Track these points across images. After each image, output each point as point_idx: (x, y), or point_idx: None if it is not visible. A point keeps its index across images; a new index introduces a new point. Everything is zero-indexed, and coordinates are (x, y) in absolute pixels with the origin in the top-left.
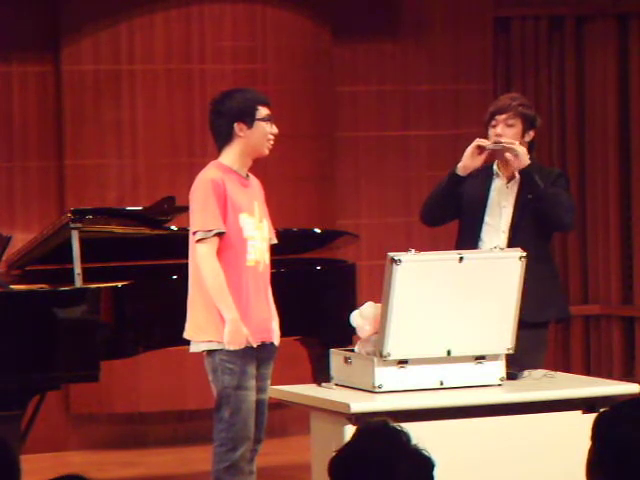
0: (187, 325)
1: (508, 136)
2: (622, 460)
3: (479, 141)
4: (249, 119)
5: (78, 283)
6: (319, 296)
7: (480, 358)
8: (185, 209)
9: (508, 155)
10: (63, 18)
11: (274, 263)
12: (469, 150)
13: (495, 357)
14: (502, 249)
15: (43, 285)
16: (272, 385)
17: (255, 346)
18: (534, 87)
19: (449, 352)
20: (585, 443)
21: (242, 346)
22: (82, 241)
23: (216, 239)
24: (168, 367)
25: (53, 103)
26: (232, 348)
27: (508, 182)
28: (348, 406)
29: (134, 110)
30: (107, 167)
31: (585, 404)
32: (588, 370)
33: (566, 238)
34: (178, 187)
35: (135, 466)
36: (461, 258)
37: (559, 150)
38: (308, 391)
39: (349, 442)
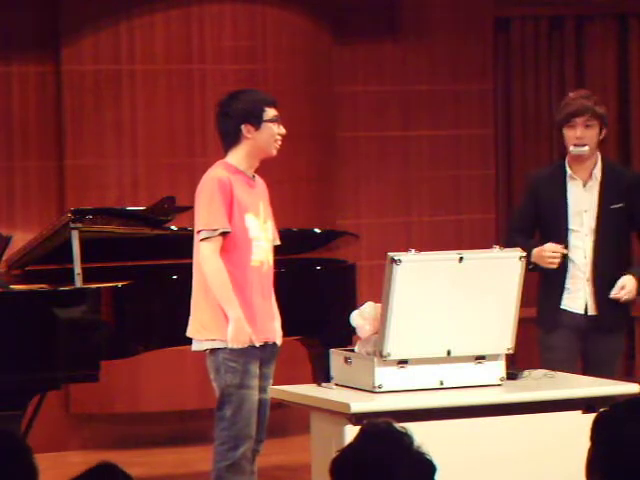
0: (190, 323)
1: (587, 137)
2: (622, 460)
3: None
4: (256, 120)
5: (78, 283)
6: (319, 296)
7: (480, 358)
8: (185, 209)
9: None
10: (63, 18)
11: (274, 263)
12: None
13: (495, 357)
14: (565, 249)
15: (43, 285)
16: (272, 385)
17: (258, 345)
18: (534, 87)
19: (449, 352)
20: (585, 443)
21: (245, 345)
22: (82, 241)
23: (220, 238)
24: (168, 367)
25: (53, 103)
26: (235, 347)
27: (585, 184)
28: (348, 406)
29: (134, 110)
30: (107, 167)
31: (585, 404)
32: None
33: None
34: (178, 187)
35: (135, 466)
36: (461, 258)
37: (559, 150)
38: (308, 391)
39: (351, 443)
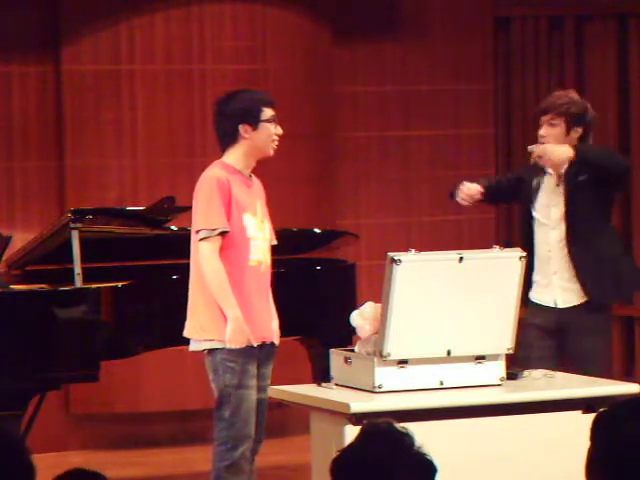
0: (188, 324)
1: (551, 135)
2: (622, 460)
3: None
4: (254, 120)
5: (78, 283)
6: (319, 296)
7: (480, 358)
8: (185, 209)
9: (540, 160)
10: (63, 18)
11: (274, 263)
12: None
13: (495, 357)
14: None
15: (43, 285)
16: (272, 385)
17: (256, 345)
18: (534, 87)
19: (449, 352)
20: (585, 443)
21: (244, 345)
22: (82, 241)
23: (219, 238)
24: (168, 367)
25: (53, 103)
26: (234, 347)
27: (558, 184)
28: (348, 406)
29: (134, 110)
30: (107, 167)
31: (585, 404)
32: None
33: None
34: (178, 187)
35: (135, 466)
36: (461, 258)
37: None
38: (308, 391)
39: (352, 443)
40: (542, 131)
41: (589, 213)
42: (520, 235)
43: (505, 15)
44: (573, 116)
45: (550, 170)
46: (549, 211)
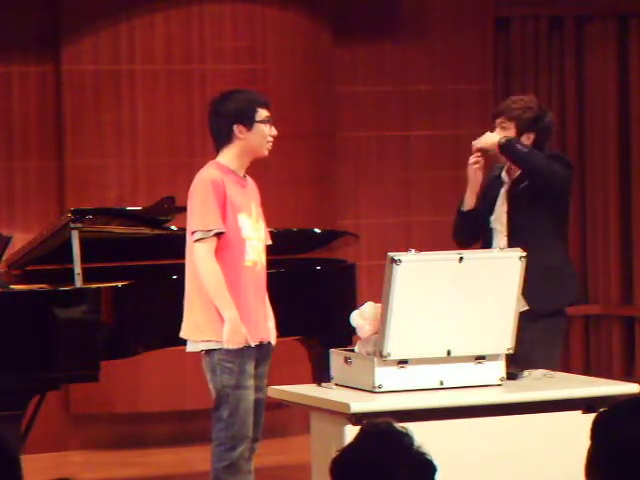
0: (184, 325)
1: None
2: (622, 460)
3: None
4: (248, 121)
5: (78, 283)
6: (319, 296)
7: (480, 358)
8: (184, 209)
9: (475, 149)
10: (63, 18)
11: (274, 263)
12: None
13: (495, 357)
14: (502, 249)
15: (43, 285)
16: (272, 385)
17: (253, 345)
18: (534, 87)
19: (449, 352)
20: (585, 443)
21: (241, 345)
22: (82, 241)
23: (215, 239)
24: (168, 367)
25: (53, 103)
26: (231, 347)
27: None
28: (348, 406)
29: (134, 110)
30: (107, 167)
31: (585, 404)
32: (588, 370)
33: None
34: (178, 187)
35: (135, 466)
36: (461, 258)
37: (559, 150)
38: (308, 391)
39: (351, 443)
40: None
41: (529, 220)
42: (480, 246)
43: (505, 15)
44: (525, 121)
45: (505, 178)
46: (503, 219)
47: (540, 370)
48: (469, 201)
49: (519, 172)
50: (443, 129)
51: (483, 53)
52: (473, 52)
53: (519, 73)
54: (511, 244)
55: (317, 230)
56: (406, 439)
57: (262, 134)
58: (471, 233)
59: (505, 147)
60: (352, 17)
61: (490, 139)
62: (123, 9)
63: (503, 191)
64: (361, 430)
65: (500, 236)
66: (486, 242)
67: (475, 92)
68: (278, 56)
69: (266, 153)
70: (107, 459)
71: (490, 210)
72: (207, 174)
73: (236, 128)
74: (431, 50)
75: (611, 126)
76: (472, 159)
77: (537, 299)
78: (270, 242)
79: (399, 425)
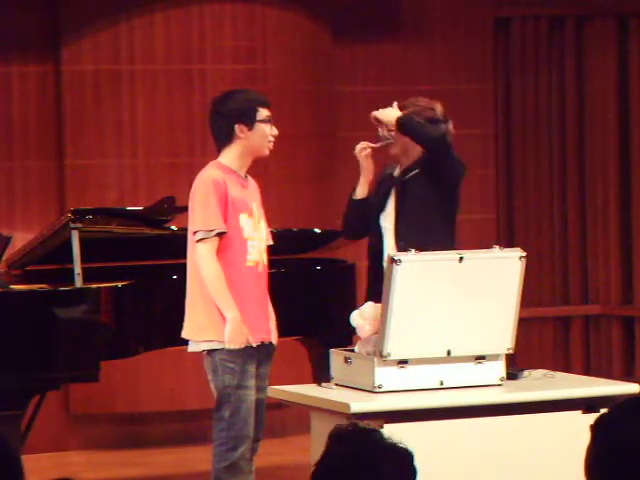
0: (186, 325)
1: (395, 137)
2: (622, 460)
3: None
4: (249, 120)
5: (78, 283)
6: (319, 296)
7: (480, 358)
8: (185, 209)
9: (375, 117)
10: (63, 18)
11: (274, 263)
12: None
13: (495, 357)
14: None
15: (43, 285)
16: (272, 385)
17: (255, 345)
18: (534, 87)
19: (449, 352)
20: (585, 443)
21: (243, 345)
22: (82, 241)
23: (217, 239)
24: (168, 367)
25: (53, 103)
26: (233, 347)
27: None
28: (348, 406)
29: (134, 110)
30: (107, 167)
31: (585, 404)
32: (588, 370)
33: (566, 238)
34: (178, 187)
35: (135, 466)
36: (461, 258)
37: (559, 150)
38: (308, 391)
39: (326, 452)
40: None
41: (414, 212)
42: (368, 245)
43: (505, 15)
44: (423, 118)
45: (397, 173)
46: (392, 216)
47: (540, 370)
48: (362, 189)
49: (410, 162)
50: None
51: (483, 53)
52: (473, 52)
53: (519, 73)
54: (399, 240)
55: (317, 230)
56: (376, 434)
57: (263, 133)
58: (360, 224)
59: (404, 122)
60: (352, 17)
61: (391, 113)
62: (123, 9)
63: (394, 190)
64: (330, 438)
65: (390, 234)
66: (376, 241)
67: (475, 92)
68: (278, 56)
69: (267, 153)
70: (107, 459)
71: (381, 207)
72: (208, 174)
73: (237, 128)
74: (431, 50)
75: (611, 126)
76: (359, 146)
77: None
78: (271, 242)
79: (363, 423)
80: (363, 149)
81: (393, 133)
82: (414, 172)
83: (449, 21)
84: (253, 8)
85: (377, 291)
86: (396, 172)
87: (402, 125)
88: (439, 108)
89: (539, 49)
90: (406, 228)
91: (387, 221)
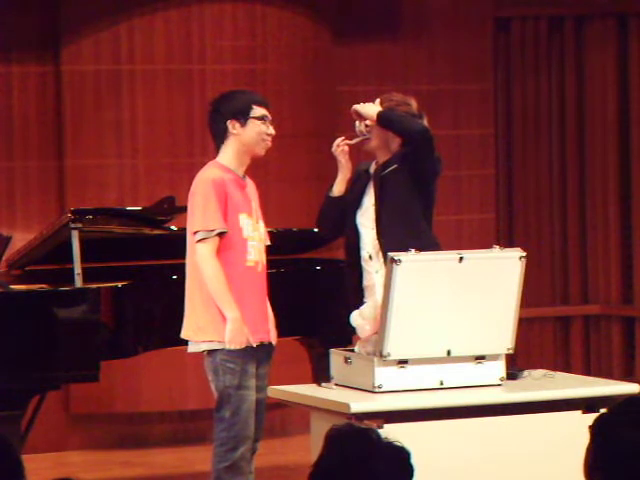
0: (186, 325)
1: (372, 133)
2: (621, 460)
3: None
4: (243, 117)
5: (78, 283)
6: (319, 296)
7: (480, 358)
8: (185, 209)
9: (356, 111)
10: (63, 18)
11: (274, 263)
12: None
13: (495, 357)
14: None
15: (43, 285)
16: (272, 385)
17: (255, 346)
18: (534, 87)
19: (449, 352)
20: (585, 443)
21: (243, 345)
22: (82, 241)
23: (217, 239)
24: (168, 367)
25: (53, 103)
26: (233, 347)
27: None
28: (348, 406)
29: (134, 110)
30: (107, 167)
31: (585, 404)
32: (588, 370)
33: (566, 238)
34: (178, 187)
35: (135, 466)
36: (461, 258)
37: (559, 150)
38: (308, 391)
39: (323, 452)
40: (358, 125)
41: (396, 206)
42: (344, 243)
43: (505, 15)
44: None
45: (372, 170)
46: (370, 212)
47: (540, 370)
48: (340, 186)
49: (387, 157)
50: (443, 129)
51: (483, 53)
52: (473, 52)
53: (519, 73)
54: (379, 236)
55: (317, 230)
56: (372, 434)
57: (256, 130)
58: (336, 222)
59: (386, 116)
60: (352, 17)
61: (372, 109)
62: (123, 9)
63: (370, 185)
64: (327, 438)
65: (366, 231)
66: (352, 238)
67: (475, 92)
68: (278, 56)
69: (262, 152)
70: (107, 459)
71: (357, 204)
72: (208, 174)
73: (229, 124)
74: (431, 50)
75: (611, 126)
76: (336, 143)
77: None
78: (269, 242)
79: (359, 423)
80: (339, 145)
81: (370, 129)
82: (393, 167)
83: (449, 21)
84: (253, 8)
85: (354, 288)
86: (371, 168)
87: (384, 119)
88: (414, 103)
89: (539, 49)
90: (387, 221)
91: (364, 217)
